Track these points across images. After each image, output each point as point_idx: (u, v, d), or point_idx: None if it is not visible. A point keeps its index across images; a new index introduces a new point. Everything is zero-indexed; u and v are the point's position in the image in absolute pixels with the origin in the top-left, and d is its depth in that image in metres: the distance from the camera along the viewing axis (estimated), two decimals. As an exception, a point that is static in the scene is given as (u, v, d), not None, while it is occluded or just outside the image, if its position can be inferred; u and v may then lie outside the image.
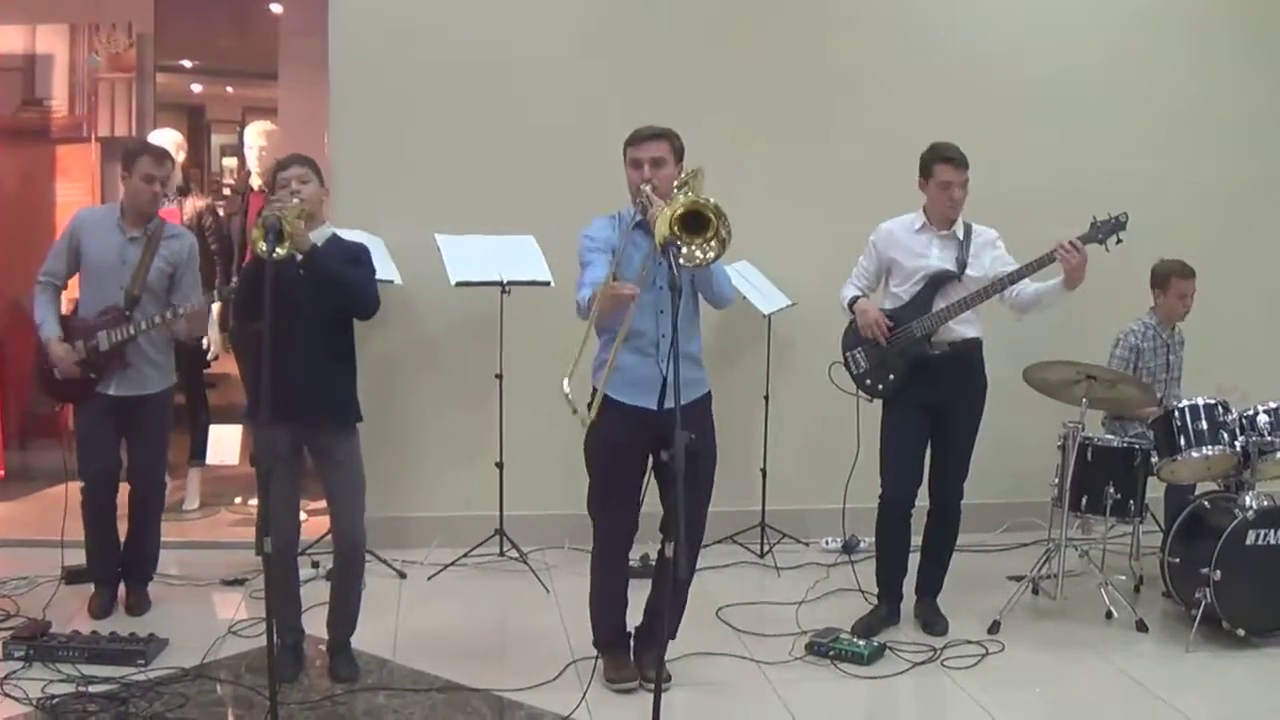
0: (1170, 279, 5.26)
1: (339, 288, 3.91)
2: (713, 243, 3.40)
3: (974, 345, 4.56)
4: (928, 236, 4.53)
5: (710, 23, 5.74)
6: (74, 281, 4.65)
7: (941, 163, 4.46)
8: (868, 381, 4.65)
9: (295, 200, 3.82)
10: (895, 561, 4.67)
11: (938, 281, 4.49)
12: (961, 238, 4.52)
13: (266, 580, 3.40)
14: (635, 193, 3.89)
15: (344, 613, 4.14)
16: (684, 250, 3.38)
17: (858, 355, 4.66)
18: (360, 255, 4.07)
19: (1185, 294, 5.27)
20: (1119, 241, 4.40)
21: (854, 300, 4.64)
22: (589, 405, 3.91)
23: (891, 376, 4.57)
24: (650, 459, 3.95)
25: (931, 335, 4.47)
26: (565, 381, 3.72)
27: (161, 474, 4.78)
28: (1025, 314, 4.59)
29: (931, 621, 4.64)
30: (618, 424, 3.91)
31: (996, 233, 4.60)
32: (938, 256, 4.50)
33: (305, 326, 3.83)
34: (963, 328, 4.50)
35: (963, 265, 4.48)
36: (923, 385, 4.50)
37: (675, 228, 3.36)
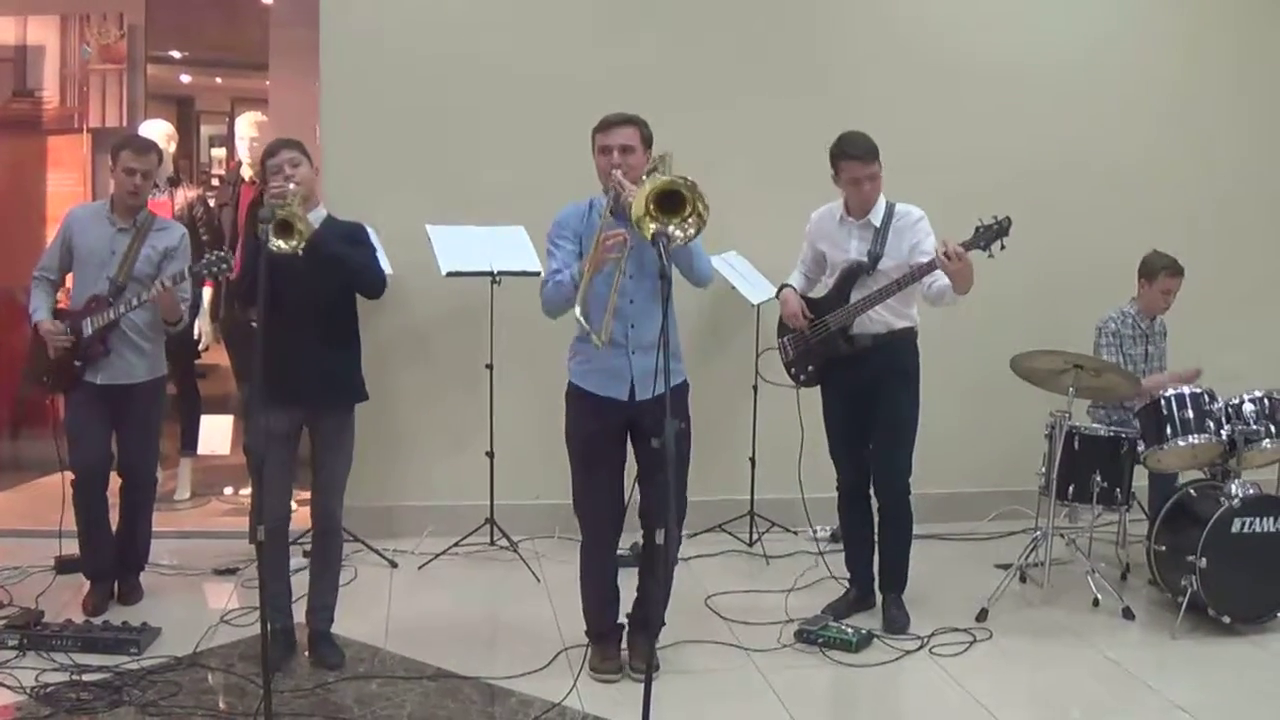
0: (1159, 273, 5.26)
1: (343, 270, 3.94)
2: (691, 219, 3.34)
3: (903, 335, 4.48)
4: (848, 228, 4.50)
5: (701, 16, 5.75)
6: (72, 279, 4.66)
7: (846, 160, 4.34)
8: (792, 370, 4.70)
9: (292, 186, 3.82)
10: (856, 545, 4.71)
11: (851, 274, 4.44)
12: (879, 224, 4.42)
13: (260, 569, 3.41)
14: (605, 179, 3.88)
15: (323, 600, 4.16)
16: (668, 230, 3.32)
17: (786, 344, 4.69)
18: (357, 235, 4.10)
19: (1169, 291, 5.29)
20: (1003, 248, 4.20)
21: (780, 289, 4.67)
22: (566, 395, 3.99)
23: (810, 367, 4.61)
24: (629, 447, 3.99)
25: (848, 328, 4.44)
26: (577, 309, 3.78)
27: (152, 464, 4.79)
28: (936, 307, 4.42)
29: (891, 618, 4.53)
30: (589, 414, 3.96)
31: (921, 212, 4.42)
32: (855, 248, 4.46)
33: (308, 310, 3.85)
34: (891, 319, 4.43)
35: (875, 258, 4.40)
36: (846, 373, 4.50)
37: (652, 210, 3.31)
